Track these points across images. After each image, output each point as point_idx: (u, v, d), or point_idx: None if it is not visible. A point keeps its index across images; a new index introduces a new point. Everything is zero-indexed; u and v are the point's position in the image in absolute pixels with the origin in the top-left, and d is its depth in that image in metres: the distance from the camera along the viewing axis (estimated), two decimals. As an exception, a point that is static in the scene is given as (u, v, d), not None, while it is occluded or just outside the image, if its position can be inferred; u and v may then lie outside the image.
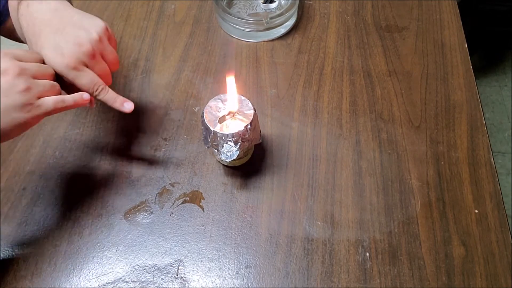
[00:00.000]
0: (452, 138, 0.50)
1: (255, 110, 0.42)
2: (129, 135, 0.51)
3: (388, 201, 0.46)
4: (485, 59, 1.56)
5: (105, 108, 0.53)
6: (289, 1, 0.58)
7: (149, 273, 0.42)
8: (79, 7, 0.62)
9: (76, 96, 0.38)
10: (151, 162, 0.49)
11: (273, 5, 0.61)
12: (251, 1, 0.61)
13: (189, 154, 0.49)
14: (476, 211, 0.45)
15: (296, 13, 0.60)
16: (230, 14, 0.56)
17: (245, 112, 0.42)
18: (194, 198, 0.46)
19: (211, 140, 0.42)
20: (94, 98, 0.40)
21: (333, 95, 0.54)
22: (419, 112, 0.52)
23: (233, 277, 0.42)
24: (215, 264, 0.43)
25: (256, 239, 0.44)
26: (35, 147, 0.50)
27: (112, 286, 0.41)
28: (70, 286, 0.42)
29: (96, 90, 0.39)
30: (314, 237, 0.44)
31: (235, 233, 0.44)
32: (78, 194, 0.47)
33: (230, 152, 0.42)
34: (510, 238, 0.43)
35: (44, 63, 0.38)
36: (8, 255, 0.43)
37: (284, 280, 0.42)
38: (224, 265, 0.43)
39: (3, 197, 0.46)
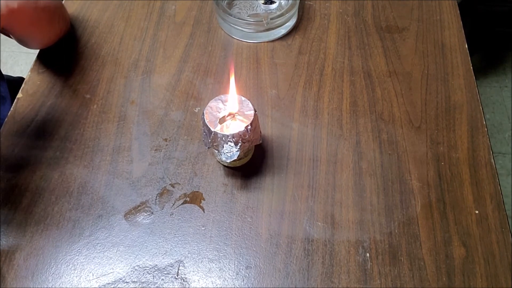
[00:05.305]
0: (452, 138, 0.50)
1: (255, 111, 0.42)
2: (129, 135, 0.51)
3: (389, 201, 0.46)
4: (486, 59, 1.57)
5: (106, 109, 0.53)
6: (290, 2, 0.58)
7: (149, 274, 0.42)
8: (79, 8, 0.63)
9: None
10: (151, 162, 0.49)
11: (274, 6, 0.61)
12: (251, 1, 0.62)
13: (189, 155, 0.49)
14: (477, 212, 0.45)
15: (296, 13, 0.60)
16: (231, 15, 0.56)
17: (246, 112, 0.42)
18: (195, 198, 0.47)
19: (212, 140, 0.42)
20: None
21: (334, 96, 0.54)
22: (420, 113, 0.52)
23: (234, 277, 0.42)
24: (216, 264, 0.43)
25: (257, 239, 0.44)
26: (35, 147, 0.50)
27: (112, 286, 0.41)
28: (70, 287, 0.42)
29: None
30: (315, 237, 0.44)
31: (235, 233, 0.44)
32: (78, 195, 0.47)
33: (230, 152, 0.42)
34: (511, 238, 0.43)
35: None
36: (9, 256, 0.43)
37: (285, 280, 0.42)
38: (225, 266, 0.43)
39: (3, 197, 0.46)
